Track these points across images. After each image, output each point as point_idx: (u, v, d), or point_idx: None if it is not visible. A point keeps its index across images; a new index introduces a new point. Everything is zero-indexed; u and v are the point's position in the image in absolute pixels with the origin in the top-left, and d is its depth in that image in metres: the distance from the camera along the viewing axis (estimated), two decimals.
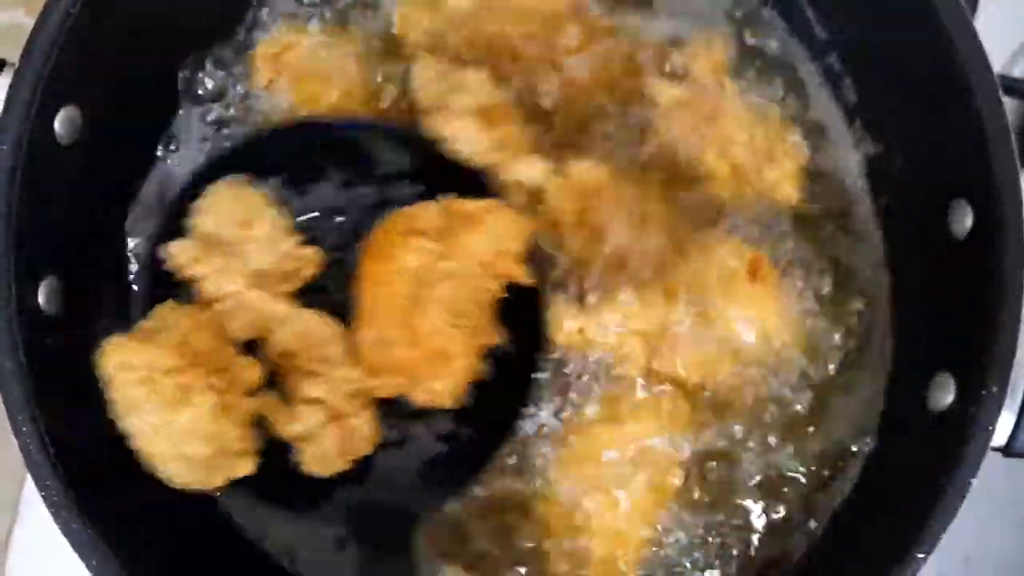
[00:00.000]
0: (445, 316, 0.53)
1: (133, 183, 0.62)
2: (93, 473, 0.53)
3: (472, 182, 0.56)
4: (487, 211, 0.54)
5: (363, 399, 0.54)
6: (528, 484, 0.60)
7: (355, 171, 0.60)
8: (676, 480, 0.60)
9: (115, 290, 0.61)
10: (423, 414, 0.57)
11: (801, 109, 0.64)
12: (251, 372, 0.54)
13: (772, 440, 0.61)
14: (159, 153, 0.63)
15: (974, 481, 0.49)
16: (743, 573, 0.61)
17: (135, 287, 0.61)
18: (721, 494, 0.61)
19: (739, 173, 0.61)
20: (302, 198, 0.60)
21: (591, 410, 0.60)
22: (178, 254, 0.54)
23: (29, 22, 0.52)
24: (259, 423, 0.54)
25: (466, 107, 0.56)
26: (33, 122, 0.51)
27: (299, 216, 0.59)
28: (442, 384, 0.54)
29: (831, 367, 0.62)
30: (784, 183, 0.62)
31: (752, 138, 0.61)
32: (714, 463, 0.61)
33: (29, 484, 0.70)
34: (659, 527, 0.61)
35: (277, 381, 0.56)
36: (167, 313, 0.53)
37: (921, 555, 0.50)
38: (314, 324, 0.54)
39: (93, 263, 0.59)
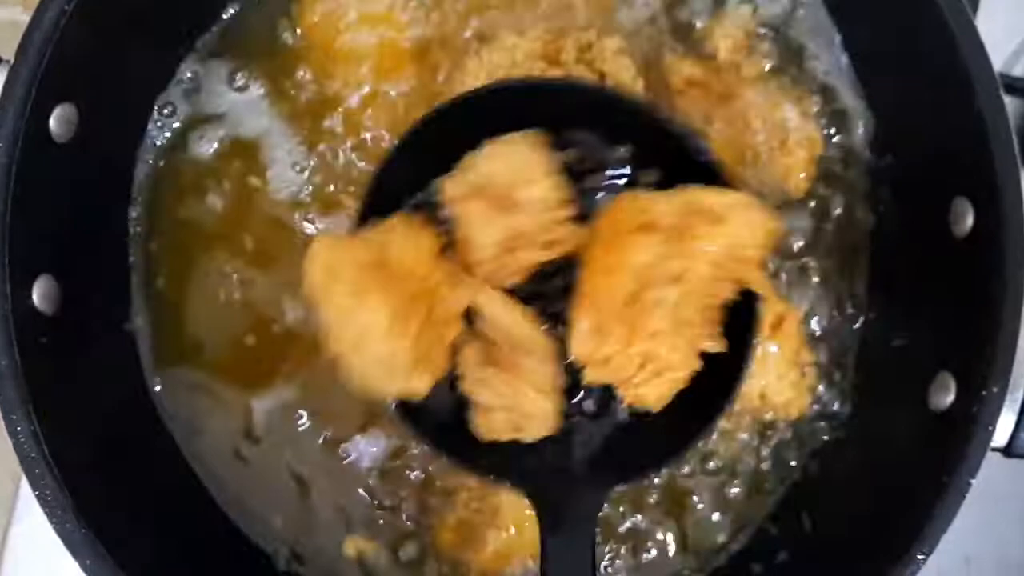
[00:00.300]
0: (669, 321, 0.49)
1: (129, 181, 0.62)
2: (88, 473, 0.53)
3: (698, 161, 0.52)
4: (732, 208, 0.48)
5: (547, 412, 0.52)
6: None
7: (574, 142, 0.55)
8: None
9: (111, 289, 0.61)
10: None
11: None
12: (454, 302, 0.51)
13: (769, 434, 0.62)
14: None
15: (974, 481, 0.49)
16: None
17: None
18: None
19: (749, 158, 0.60)
20: None
21: None
22: (449, 189, 0.52)
23: (26, 18, 0.51)
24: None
25: None
26: (28, 119, 0.51)
27: None
28: (655, 392, 0.51)
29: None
30: (795, 173, 0.61)
31: (765, 124, 0.60)
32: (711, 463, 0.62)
33: (26, 482, 0.70)
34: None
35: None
36: (394, 225, 0.51)
37: (921, 555, 0.50)
38: (537, 339, 0.52)
39: (89, 262, 0.58)
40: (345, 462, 0.62)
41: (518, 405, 0.51)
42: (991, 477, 0.50)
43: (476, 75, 0.61)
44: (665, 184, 0.52)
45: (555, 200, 0.52)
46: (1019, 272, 0.49)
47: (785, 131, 0.61)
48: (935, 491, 0.50)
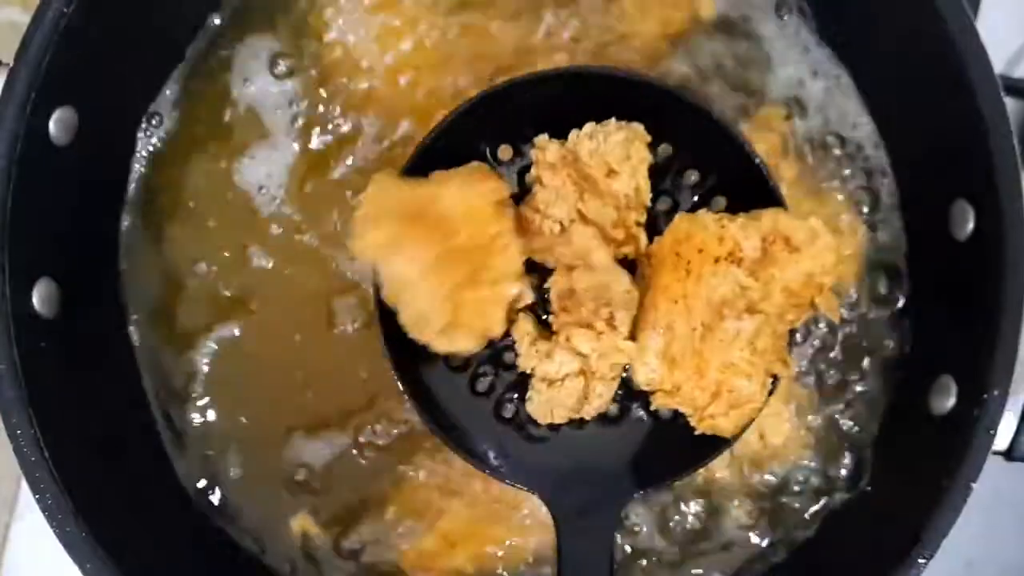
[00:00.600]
0: (746, 353, 0.49)
1: (129, 184, 0.62)
2: (88, 476, 0.53)
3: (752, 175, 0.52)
4: (811, 239, 0.48)
5: (618, 371, 0.52)
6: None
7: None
8: None
9: (111, 292, 0.61)
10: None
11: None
12: (512, 258, 0.50)
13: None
14: None
15: (975, 485, 0.49)
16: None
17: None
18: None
19: None
20: None
21: None
22: (544, 147, 0.51)
23: (25, 19, 0.51)
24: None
25: None
26: (28, 123, 0.51)
27: None
28: (732, 424, 0.50)
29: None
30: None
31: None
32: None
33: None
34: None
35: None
36: (455, 174, 0.50)
37: (922, 560, 0.50)
38: (623, 284, 0.50)
39: (89, 265, 0.58)
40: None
41: (606, 356, 0.50)
42: (992, 481, 0.50)
43: None
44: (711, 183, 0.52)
45: (637, 200, 0.51)
46: (1020, 274, 0.49)
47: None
48: (936, 495, 0.50)
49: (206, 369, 0.61)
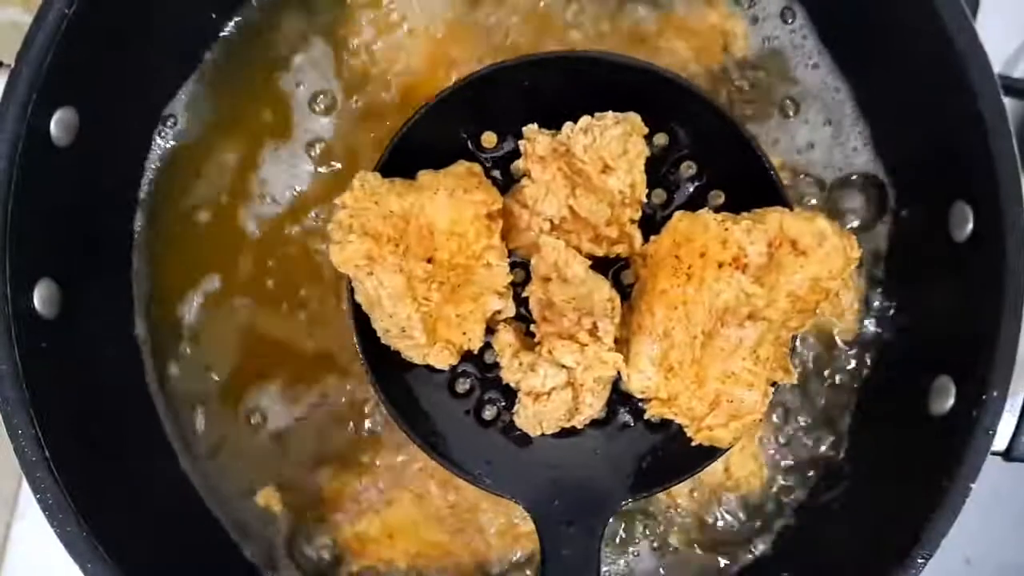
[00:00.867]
0: (748, 362, 0.47)
1: (132, 187, 0.62)
2: (88, 476, 0.53)
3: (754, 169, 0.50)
4: (819, 242, 0.45)
5: (607, 382, 0.49)
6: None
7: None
8: None
9: (113, 293, 0.61)
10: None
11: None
12: (495, 278, 0.48)
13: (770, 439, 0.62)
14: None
15: (974, 486, 0.49)
16: None
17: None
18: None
19: None
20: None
21: None
22: (533, 139, 0.49)
23: (27, 19, 0.51)
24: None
25: None
26: (29, 124, 0.51)
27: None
28: (730, 435, 0.48)
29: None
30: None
31: None
32: None
33: None
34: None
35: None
36: (442, 176, 0.48)
37: (922, 559, 0.50)
38: (603, 293, 0.47)
39: (90, 266, 0.58)
40: None
41: (591, 369, 0.47)
42: (991, 481, 0.50)
43: None
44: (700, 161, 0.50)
45: (632, 197, 0.49)
46: (1019, 276, 0.49)
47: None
48: (935, 495, 0.50)
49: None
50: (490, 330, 0.51)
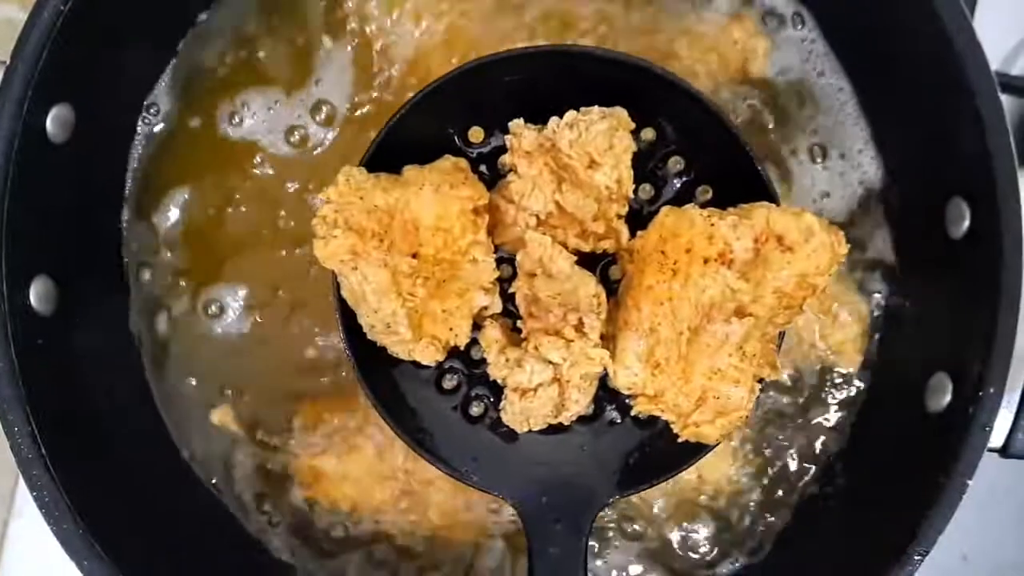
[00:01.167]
0: (735, 358, 0.46)
1: (126, 181, 0.62)
2: (85, 473, 0.53)
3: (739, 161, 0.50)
4: (806, 238, 0.45)
5: (593, 378, 0.49)
6: None
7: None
8: None
9: (109, 290, 0.61)
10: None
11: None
12: (481, 273, 0.47)
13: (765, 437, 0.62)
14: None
15: (970, 482, 0.49)
16: None
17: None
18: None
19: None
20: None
21: None
22: (519, 134, 0.48)
23: (23, 16, 0.51)
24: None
25: None
26: (25, 121, 0.51)
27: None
28: (717, 432, 0.48)
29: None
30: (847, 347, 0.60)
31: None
32: None
33: None
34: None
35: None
36: (428, 171, 0.47)
37: (918, 555, 0.50)
38: (590, 288, 0.47)
39: (86, 263, 0.58)
40: None
41: (577, 365, 0.47)
42: (988, 477, 0.50)
43: None
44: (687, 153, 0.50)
45: (619, 192, 0.49)
46: (1016, 273, 0.49)
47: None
48: (932, 491, 0.50)
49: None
50: (477, 326, 0.50)
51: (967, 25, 0.51)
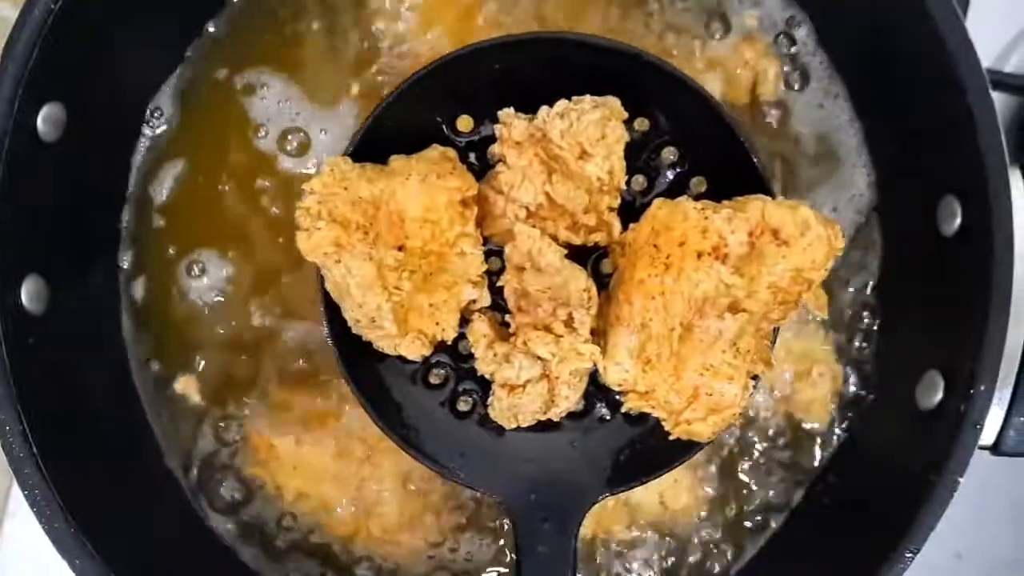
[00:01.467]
0: (728, 355, 0.46)
1: (120, 182, 0.62)
2: (77, 473, 0.53)
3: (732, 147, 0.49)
4: (802, 231, 0.44)
5: (583, 374, 0.48)
6: None
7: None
8: None
9: (100, 289, 0.61)
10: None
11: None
12: (469, 266, 0.47)
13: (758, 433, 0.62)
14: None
15: (962, 480, 0.49)
16: None
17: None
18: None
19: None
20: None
21: None
22: (509, 123, 0.47)
23: (14, 14, 0.51)
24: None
25: None
26: (16, 119, 0.51)
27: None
28: (709, 429, 0.47)
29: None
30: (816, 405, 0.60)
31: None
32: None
33: None
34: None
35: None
36: (415, 161, 0.47)
37: (910, 553, 0.50)
38: (580, 283, 0.46)
39: (78, 262, 0.58)
40: None
41: (567, 361, 0.46)
42: (981, 475, 0.50)
43: None
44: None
45: (611, 184, 0.48)
46: (1007, 270, 0.49)
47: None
48: (923, 489, 0.50)
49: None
50: (464, 320, 0.50)
51: (959, 25, 0.51)
